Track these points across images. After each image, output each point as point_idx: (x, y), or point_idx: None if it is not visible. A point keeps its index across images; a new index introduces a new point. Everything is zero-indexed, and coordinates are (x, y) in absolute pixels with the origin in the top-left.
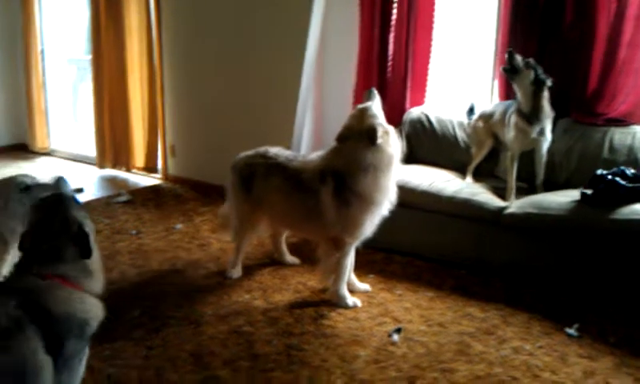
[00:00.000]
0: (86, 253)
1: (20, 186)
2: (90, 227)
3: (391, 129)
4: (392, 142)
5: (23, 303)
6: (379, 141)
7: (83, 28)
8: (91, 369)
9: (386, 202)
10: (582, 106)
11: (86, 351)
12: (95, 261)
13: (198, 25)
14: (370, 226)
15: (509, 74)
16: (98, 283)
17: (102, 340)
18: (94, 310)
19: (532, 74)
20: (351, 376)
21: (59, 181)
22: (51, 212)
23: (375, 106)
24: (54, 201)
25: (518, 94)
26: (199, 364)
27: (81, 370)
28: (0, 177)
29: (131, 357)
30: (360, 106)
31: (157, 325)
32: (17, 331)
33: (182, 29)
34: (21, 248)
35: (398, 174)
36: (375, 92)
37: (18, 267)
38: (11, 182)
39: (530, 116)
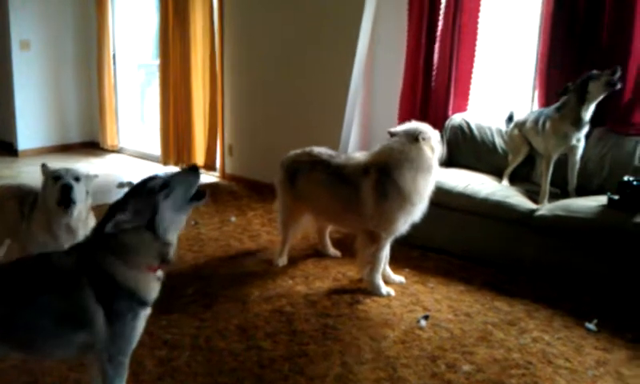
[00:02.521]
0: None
1: (52, 176)
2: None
3: (435, 138)
4: (433, 149)
5: (81, 258)
6: (421, 140)
7: (151, 35)
8: (150, 334)
9: (421, 205)
10: (617, 116)
11: (143, 312)
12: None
13: (255, 34)
14: (403, 224)
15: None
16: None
17: (160, 311)
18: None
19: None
20: (378, 352)
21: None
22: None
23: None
24: (138, 185)
25: (590, 100)
26: (244, 335)
27: (134, 325)
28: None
29: (185, 326)
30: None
31: (209, 302)
32: (70, 278)
33: (241, 38)
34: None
35: (434, 181)
36: None
37: (93, 231)
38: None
39: (581, 123)
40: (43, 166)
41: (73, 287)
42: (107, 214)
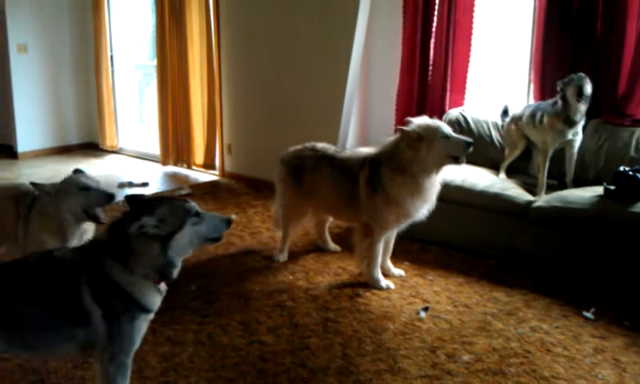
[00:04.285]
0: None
1: (79, 186)
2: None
3: (430, 136)
4: (411, 147)
5: (83, 255)
6: (401, 141)
7: (148, 36)
8: (153, 330)
9: (411, 207)
10: (613, 108)
11: (143, 315)
12: None
13: (252, 33)
14: (395, 221)
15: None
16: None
17: (163, 308)
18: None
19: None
20: (379, 344)
21: None
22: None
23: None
24: (173, 200)
25: (570, 101)
26: (246, 330)
27: (133, 327)
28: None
29: (188, 323)
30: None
31: (211, 298)
32: (69, 273)
33: (238, 37)
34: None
35: (419, 185)
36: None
37: (109, 228)
38: (73, 180)
39: (573, 120)
40: (76, 170)
41: (71, 283)
42: (128, 213)
